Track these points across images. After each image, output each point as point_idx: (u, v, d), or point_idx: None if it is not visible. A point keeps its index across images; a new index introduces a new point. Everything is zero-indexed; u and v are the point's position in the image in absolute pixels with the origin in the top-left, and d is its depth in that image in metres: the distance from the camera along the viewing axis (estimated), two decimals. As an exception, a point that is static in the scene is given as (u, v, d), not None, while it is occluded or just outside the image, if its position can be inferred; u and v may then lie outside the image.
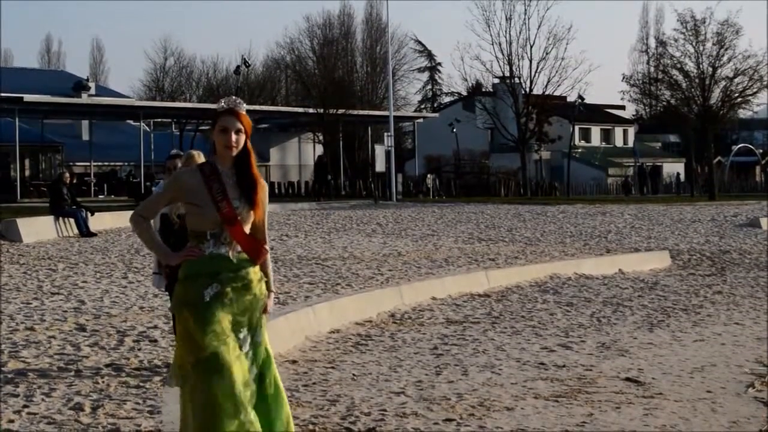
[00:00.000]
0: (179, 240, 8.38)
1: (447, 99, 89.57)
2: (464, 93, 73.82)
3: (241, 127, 5.22)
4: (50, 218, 24.00)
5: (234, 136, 5.20)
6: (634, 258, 20.45)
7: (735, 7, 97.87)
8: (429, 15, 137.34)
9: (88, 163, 58.72)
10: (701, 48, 52.01)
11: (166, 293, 9.19)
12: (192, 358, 5.08)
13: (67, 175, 27.52)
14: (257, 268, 5.30)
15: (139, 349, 9.38)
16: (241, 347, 5.15)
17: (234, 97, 5.28)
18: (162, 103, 64.16)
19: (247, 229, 5.25)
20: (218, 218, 5.18)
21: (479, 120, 71.85)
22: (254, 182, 5.26)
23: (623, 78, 61.34)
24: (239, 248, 5.24)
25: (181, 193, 5.27)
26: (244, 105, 5.30)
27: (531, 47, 64.02)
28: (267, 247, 5.39)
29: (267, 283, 5.37)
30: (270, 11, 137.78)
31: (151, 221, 8.40)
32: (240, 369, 5.11)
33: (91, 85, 66.99)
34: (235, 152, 5.22)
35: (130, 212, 5.76)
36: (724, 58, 51.90)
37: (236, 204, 5.21)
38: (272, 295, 5.42)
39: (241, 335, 5.19)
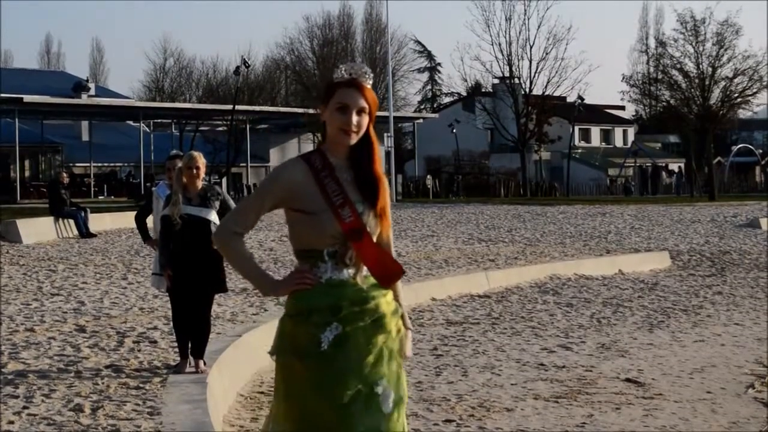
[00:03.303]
0: (182, 244, 8.38)
1: (447, 99, 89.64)
2: (464, 93, 73.88)
3: (365, 106, 3.88)
4: (50, 219, 24.00)
5: (355, 117, 3.86)
6: (634, 258, 20.44)
7: (735, 7, 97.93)
8: (429, 15, 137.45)
9: (87, 164, 58.79)
10: (701, 48, 52.02)
11: (166, 294, 9.19)
12: (296, 427, 3.82)
13: (65, 175, 27.54)
14: (390, 296, 3.95)
15: (139, 351, 9.37)
16: (381, 405, 3.80)
17: (360, 64, 3.97)
18: (162, 104, 64.24)
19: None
20: (339, 230, 3.85)
21: (479, 120, 71.92)
22: (378, 181, 3.95)
23: (623, 78, 61.33)
24: (366, 271, 3.93)
25: (287, 196, 3.90)
26: (371, 75, 3.96)
27: (531, 47, 64.26)
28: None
29: (403, 318, 4.02)
30: (270, 11, 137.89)
31: (150, 224, 8.02)
32: None
33: (91, 85, 67.06)
34: (354, 139, 3.89)
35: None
36: (724, 58, 51.92)
37: (360, 209, 3.89)
38: (410, 335, 4.06)
39: (379, 389, 3.81)
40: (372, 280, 3.92)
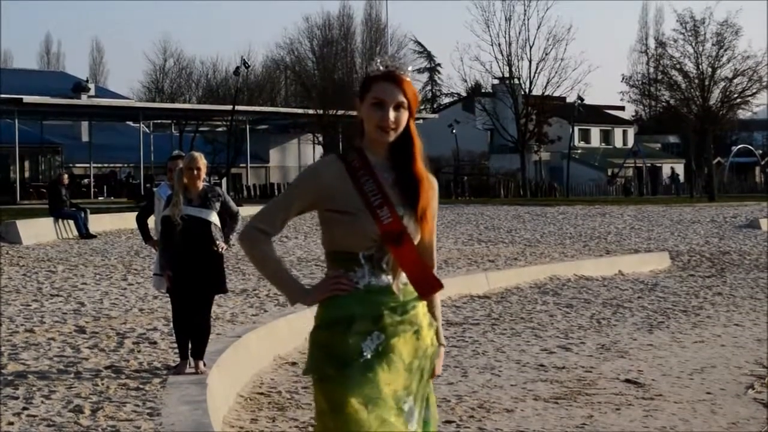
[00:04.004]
0: (182, 245, 8.37)
1: (446, 100, 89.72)
2: (464, 94, 73.89)
3: (404, 101, 3.59)
4: (50, 220, 24.01)
5: (392, 113, 3.57)
6: (634, 259, 20.44)
7: (734, 8, 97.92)
8: (429, 15, 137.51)
9: (87, 165, 58.74)
10: (701, 48, 52.12)
11: (167, 295, 9.19)
12: None
13: (66, 176, 27.55)
14: (425, 308, 3.73)
15: (139, 351, 9.37)
16: (407, 424, 3.55)
17: (396, 57, 3.66)
18: (161, 105, 64.26)
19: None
20: (377, 232, 3.56)
21: (479, 121, 71.93)
22: (420, 181, 3.63)
23: (623, 79, 61.33)
24: (405, 279, 3.64)
25: (320, 197, 3.60)
26: (410, 68, 3.70)
27: (530, 48, 64.29)
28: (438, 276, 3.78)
29: (437, 332, 3.78)
30: (269, 12, 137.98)
31: (151, 224, 7.96)
32: None
33: (91, 86, 67.05)
34: (392, 136, 3.60)
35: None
36: (724, 59, 52.03)
37: (400, 212, 3.59)
38: (443, 351, 3.81)
39: (406, 406, 3.56)
40: (409, 290, 3.65)
